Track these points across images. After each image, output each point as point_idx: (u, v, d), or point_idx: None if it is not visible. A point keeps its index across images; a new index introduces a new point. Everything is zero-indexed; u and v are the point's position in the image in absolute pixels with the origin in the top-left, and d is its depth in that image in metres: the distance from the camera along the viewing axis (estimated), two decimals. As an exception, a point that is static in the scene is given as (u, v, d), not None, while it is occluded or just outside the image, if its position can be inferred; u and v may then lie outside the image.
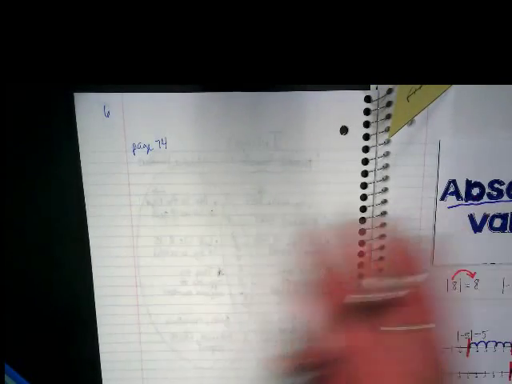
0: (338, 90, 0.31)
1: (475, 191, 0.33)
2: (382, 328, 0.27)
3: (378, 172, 0.33)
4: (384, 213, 0.33)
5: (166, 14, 0.25)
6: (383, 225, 0.33)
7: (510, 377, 0.35)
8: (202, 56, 0.26)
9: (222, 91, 0.31)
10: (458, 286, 0.34)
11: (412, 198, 0.33)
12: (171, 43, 0.26)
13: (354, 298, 0.28)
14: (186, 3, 0.25)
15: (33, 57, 0.25)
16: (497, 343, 0.35)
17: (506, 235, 0.33)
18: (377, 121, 0.32)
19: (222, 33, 0.26)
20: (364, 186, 0.33)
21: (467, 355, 0.35)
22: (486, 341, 0.35)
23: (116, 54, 0.26)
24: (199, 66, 0.26)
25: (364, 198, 0.33)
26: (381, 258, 0.34)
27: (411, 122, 0.32)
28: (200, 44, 0.26)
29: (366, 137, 0.32)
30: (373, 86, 0.32)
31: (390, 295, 0.27)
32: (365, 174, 0.33)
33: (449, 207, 0.33)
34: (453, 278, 0.34)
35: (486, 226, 0.33)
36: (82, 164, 0.32)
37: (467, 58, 0.26)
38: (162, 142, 0.32)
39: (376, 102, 0.32)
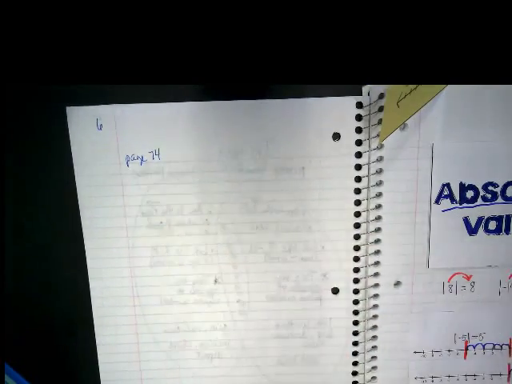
0: (331, 96, 0.31)
1: (469, 194, 0.33)
2: None
3: (371, 177, 0.33)
4: (379, 217, 0.33)
5: (156, 12, 0.25)
6: (378, 230, 0.33)
7: (508, 379, 0.35)
8: (196, 56, 0.26)
9: (214, 100, 0.31)
10: (454, 288, 0.34)
11: (406, 202, 0.33)
12: (166, 41, 0.26)
13: None
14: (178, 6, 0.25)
15: (32, 58, 0.25)
16: (494, 345, 0.35)
17: (501, 237, 0.33)
18: (369, 126, 0.32)
19: (215, 33, 0.26)
20: (358, 191, 0.33)
21: (465, 357, 0.35)
22: (484, 343, 0.35)
23: (111, 53, 0.26)
24: (193, 65, 0.26)
25: (358, 203, 0.33)
26: (376, 263, 0.34)
27: (404, 126, 0.32)
28: (192, 43, 0.26)
29: (359, 142, 0.32)
30: (364, 92, 0.32)
31: None
32: (358, 179, 0.33)
33: (443, 210, 0.33)
34: (449, 281, 0.34)
35: (480, 229, 0.33)
36: (76, 177, 0.32)
37: (460, 57, 0.26)
38: (155, 153, 0.32)
39: (368, 108, 0.32)
